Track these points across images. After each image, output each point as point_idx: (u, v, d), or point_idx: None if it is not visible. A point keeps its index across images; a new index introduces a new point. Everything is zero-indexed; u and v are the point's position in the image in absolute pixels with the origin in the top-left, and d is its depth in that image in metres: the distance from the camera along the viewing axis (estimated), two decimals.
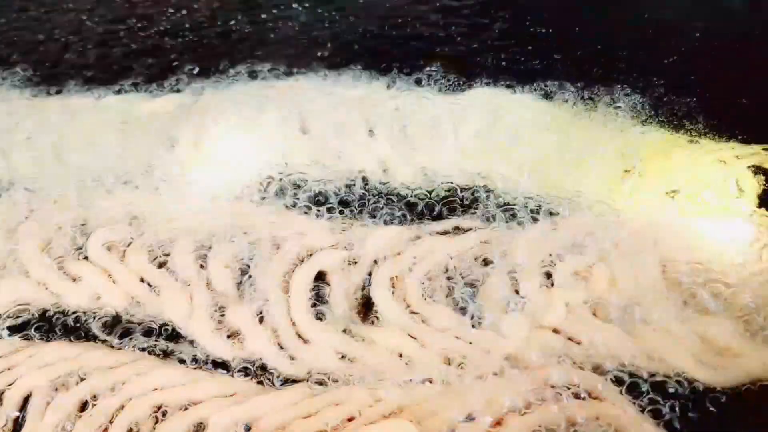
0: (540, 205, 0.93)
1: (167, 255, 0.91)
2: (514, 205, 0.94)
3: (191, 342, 0.83)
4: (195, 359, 0.81)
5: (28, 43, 1.32)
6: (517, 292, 0.84)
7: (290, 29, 1.33)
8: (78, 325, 0.86)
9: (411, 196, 0.98)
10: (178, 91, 1.19)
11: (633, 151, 0.97)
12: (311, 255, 0.90)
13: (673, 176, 0.94)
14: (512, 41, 1.26)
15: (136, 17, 1.37)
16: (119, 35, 1.33)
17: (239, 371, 0.80)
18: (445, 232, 0.91)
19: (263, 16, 1.36)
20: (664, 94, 1.11)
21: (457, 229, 0.92)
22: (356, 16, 1.36)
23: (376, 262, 0.89)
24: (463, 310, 0.83)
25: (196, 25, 1.34)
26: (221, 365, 0.80)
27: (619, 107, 1.08)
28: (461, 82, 1.17)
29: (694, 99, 1.09)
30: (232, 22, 1.35)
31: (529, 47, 1.25)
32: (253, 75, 1.21)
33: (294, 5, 1.38)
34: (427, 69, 1.19)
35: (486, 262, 0.87)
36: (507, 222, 0.92)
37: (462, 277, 0.86)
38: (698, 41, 1.24)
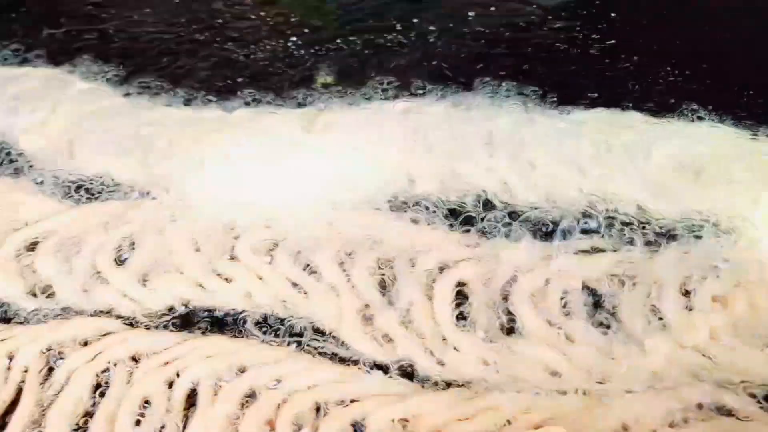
0: (673, 228, 0.96)
1: (310, 259, 0.97)
2: (645, 225, 0.97)
3: (341, 342, 0.87)
4: (344, 359, 0.86)
5: (159, 56, 1.40)
6: (655, 312, 0.86)
7: (411, 49, 1.38)
8: (233, 322, 0.91)
9: (535, 215, 1.02)
10: (303, 105, 1.25)
11: None
12: (449, 267, 0.94)
13: None
14: (616, 61, 1.30)
15: (267, 31, 1.44)
16: (249, 49, 1.40)
17: (389, 372, 0.84)
18: (579, 252, 0.95)
19: (388, 36, 1.41)
20: None
21: (591, 250, 0.95)
22: (472, 37, 1.40)
23: (512, 277, 0.92)
24: (602, 328, 0.86)
25: (325, 41, 1.41)
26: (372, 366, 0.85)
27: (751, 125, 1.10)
28: (572, 102, 1.19)
29: None
30: (357, 40, 1.41)
31: (636, 64, 1.28)
32: (376, 92, 1.26)
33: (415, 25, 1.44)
34: (541, 88, 1.22)
35: (623, 283, 0.90)
36: (641, 244, 0.94)
37: (599, 296, 0.89)
38: None
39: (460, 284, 0.92)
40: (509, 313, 0.89)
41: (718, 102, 1.15)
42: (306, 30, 1.45)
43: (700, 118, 1.13)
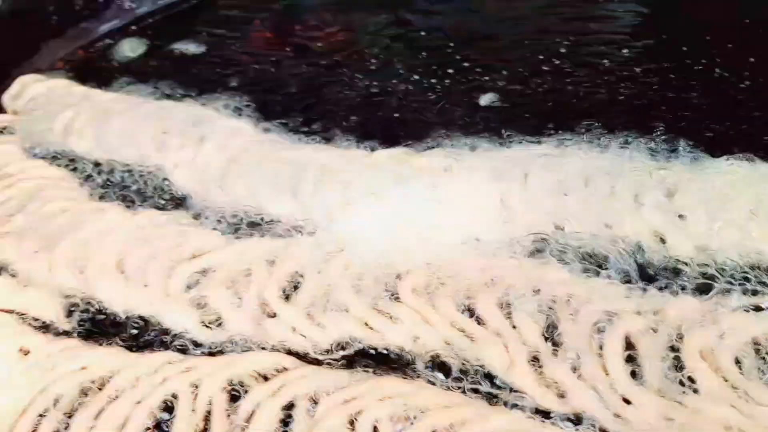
0: None
1: (471, 303, 0.99)
2: None
3: (511, 389, 0.89)
4: (515, 406, 0.87)
5: (297, 95, 1.46)
6: None
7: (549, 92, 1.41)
8: (400, 362, 0.93)
9: (691, 270, 1.02)
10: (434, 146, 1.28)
11: None
12: (613, 319, 0.95)
13: None
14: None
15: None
16: (384, 90, 1.45)
17: (559, 422, 0.85)
18: (745, 309, 0.95)
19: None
20: None
21: (755, 308, 0.95)
22: (614, 81, 1.42)
23: (679, 332, 0.93)
24: None
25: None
26: (540, 413, 0.86)
27: None
28: (721, 151, 1.19)
29: None
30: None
31: None
32: (512, 138, 1.28)
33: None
34: (691, 137, 1.22)
35: None
36: None
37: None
38: None
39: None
40: (679, 368, 0.89)
41: None
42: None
43: None
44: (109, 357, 0.93)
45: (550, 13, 1.67)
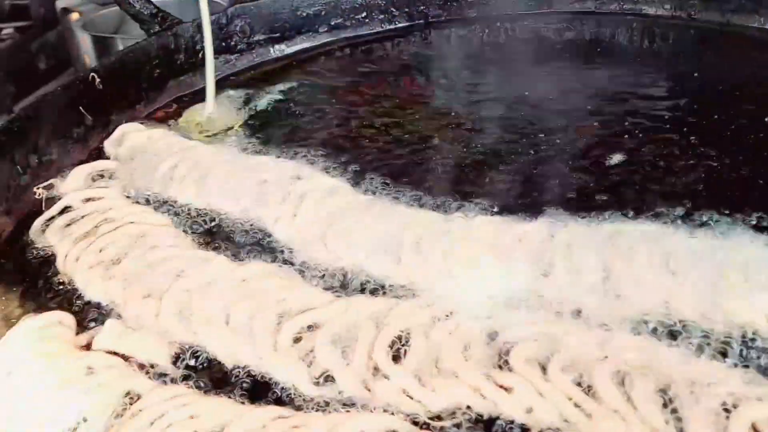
0: None
1: (586, 378, 0.96)
2: None
3: None
4: None
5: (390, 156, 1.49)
6: None
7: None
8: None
9: None
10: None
11: None
12: (737, 405, 0.91)
13: None
14: None
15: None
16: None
17: None
18: None
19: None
20: None
21: None
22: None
23: None
24: None
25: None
26: None
27: None
28: None
29: None
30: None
31: None
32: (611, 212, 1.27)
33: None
34: None
35: None
36: None
37: None
38: None
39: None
40: None
41: None
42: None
43: None
44: (219, 408, 0.93)
45: None
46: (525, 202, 1.31)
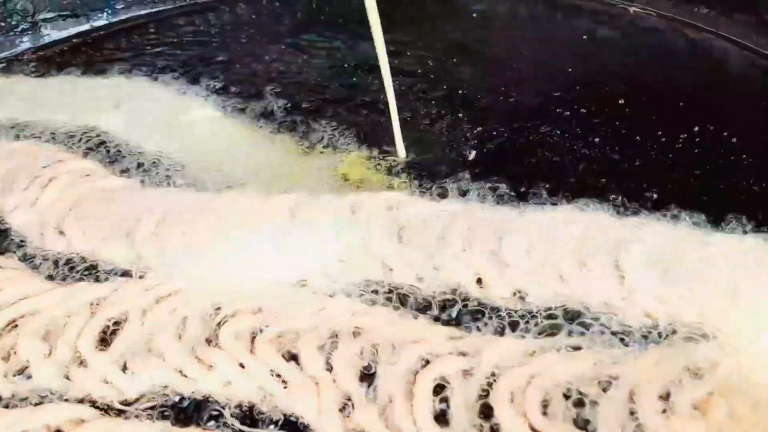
0: (656, 331, 0.97)
1: (294, 348, 0.97)
2: (627, 327, 0.98)
3: None
4: None
5: None
6: (634, 414, 0.86)
7: None
8: (209, 411, 0.90)
9: (517, 312, 1.02)
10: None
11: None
12: (431, 360, 0.94)
13: None
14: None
15: None
16: None
17: None
18: (561, 351, 0.95)
19: None
20: None
21: (573, 349, 0.95)
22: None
23: (493, 373, 0.92)
24: (581, 430, 0.86)
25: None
26: None
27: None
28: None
29: None
30: None
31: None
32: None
33: None
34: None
35: (603, 383, 0.90)
36: (623, 346, 0.95)
37: (580, 397, 0.89)
38: None
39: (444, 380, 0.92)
40: (488, 409, 0.89)
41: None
42: None
43: (674, 217, 1.14)
44: None
45: None
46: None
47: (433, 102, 1.50)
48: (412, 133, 1.37)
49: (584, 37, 1.75)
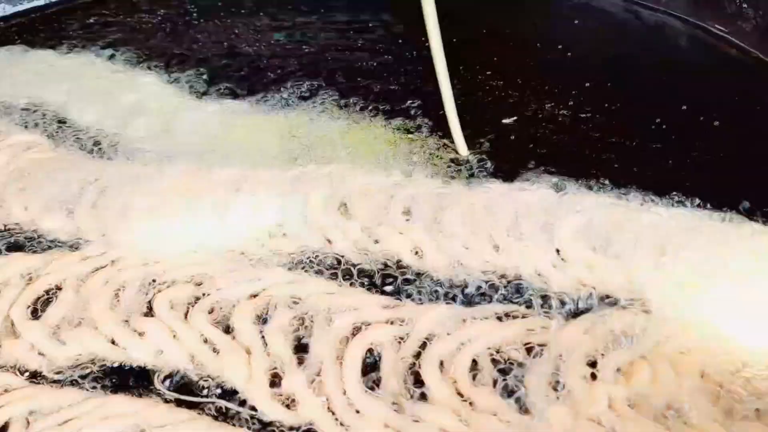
0: (584, 298, 0.98)
1: (228, 316, 0.97)
2: (559, 294, 0.99)
3: (249, 405, 0.87)
4: (250, 421, 0.85)
5: None
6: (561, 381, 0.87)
7: None
8: (141, 379, 0.90)
9: (451, 281, 1.02)
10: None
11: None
12: (364, 328, 0.94)
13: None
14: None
15: None
16: None
17: None
18: (492, 318, 0.96)
19: None
20: None
21: (505, 316, 0.96)
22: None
23: (426, 340, 0.93)
24: (509, 396, 0.87)
25: None
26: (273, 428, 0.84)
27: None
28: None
29: None
30: None
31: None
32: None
33: None
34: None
35: (533, 350, 0.91)
36: (553, 313, 0.96)
37: (509, 363, 0.90)
38: None
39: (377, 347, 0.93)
40: (418, 377, 0.89)
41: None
42: None
43: (623, 195, 1.14)
44: None
45: None
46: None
47: None
48: None
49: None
